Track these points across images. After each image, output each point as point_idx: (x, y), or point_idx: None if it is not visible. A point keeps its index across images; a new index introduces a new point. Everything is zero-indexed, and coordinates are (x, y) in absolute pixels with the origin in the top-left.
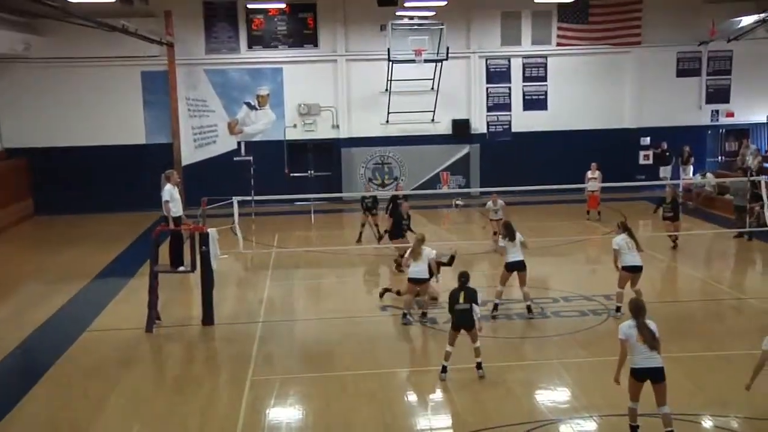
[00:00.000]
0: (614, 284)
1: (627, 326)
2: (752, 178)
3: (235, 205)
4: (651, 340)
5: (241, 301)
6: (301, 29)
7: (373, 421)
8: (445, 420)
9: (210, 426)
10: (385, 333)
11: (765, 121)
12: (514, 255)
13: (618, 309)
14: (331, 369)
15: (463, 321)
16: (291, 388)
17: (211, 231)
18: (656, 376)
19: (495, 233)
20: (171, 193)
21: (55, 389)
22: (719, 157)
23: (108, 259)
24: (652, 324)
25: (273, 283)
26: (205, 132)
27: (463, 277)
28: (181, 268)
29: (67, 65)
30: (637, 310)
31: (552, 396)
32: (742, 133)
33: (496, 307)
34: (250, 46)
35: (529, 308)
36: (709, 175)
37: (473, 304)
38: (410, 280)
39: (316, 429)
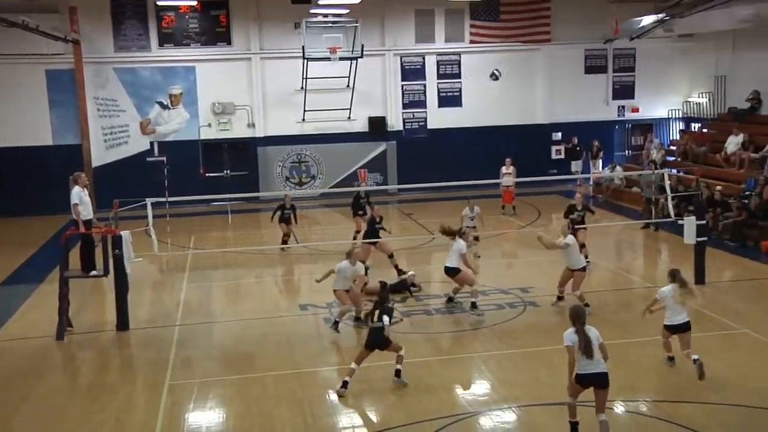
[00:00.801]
0: (528, 277)
1: (570, 332)
2: (657, 171)
3: (149, 207)
4: (585, 347)
5: (157, 304)
6: (213, 27)
7: (295, 421)
8: (367, 418)
9: None
10: (304, 332)
11: (666, 116)
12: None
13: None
14: (251, 370)
15: (375, 341)
16: (210, 392)
17: (124, 234)
18: (599, 382)
19: (476, 238)
20: (80, 196)
21: None
22: (626, 151)
23: (14, 265)
24: (592, 331)
25: (190, 285)
26: (116, 132)
27: (384, 290)
28: (93, 273)
29: None
30: (576, 316)
31: (472, 389)
32: (646, 127)
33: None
34: (161, 44)
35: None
36: (618, 168)
37: (387, 320)
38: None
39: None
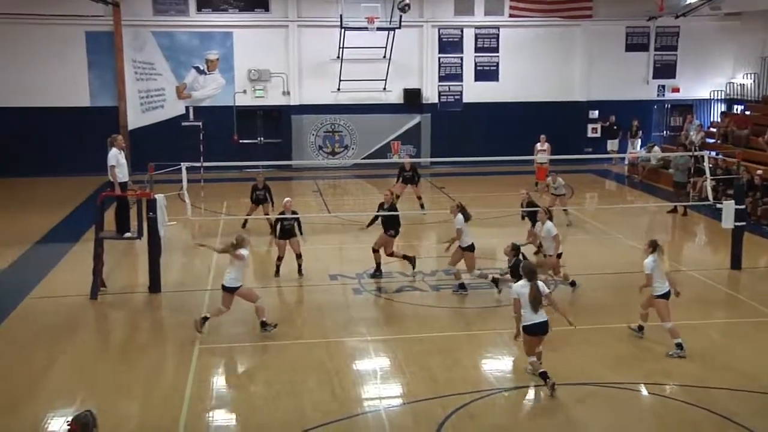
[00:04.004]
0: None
1: (520, 286)
2: (695, 153)
3: (184, 171)
4: (535, 300)
5: (188, 268)
6: None
7: (322, 390)
8: (393, 389)
9: (156, 395)
10: (333, 302)
11: (708, 97)
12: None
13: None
14: (279, 338)
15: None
16: (239, 357)
17: (159, 197)
18: (543, 330)
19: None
20: (117, 158)
21: None
22: (664, 132)
23: (51, 224)
24: (542, 285)
25: None
26: (152, 96)
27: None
28: (127, 235)
29: (7, 22)
30: (530, 273)
31: (499, 366)
32: (686, 108)
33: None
34: (199, 9)
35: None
36: (656, 148)
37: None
38: None
39: (264, 398)
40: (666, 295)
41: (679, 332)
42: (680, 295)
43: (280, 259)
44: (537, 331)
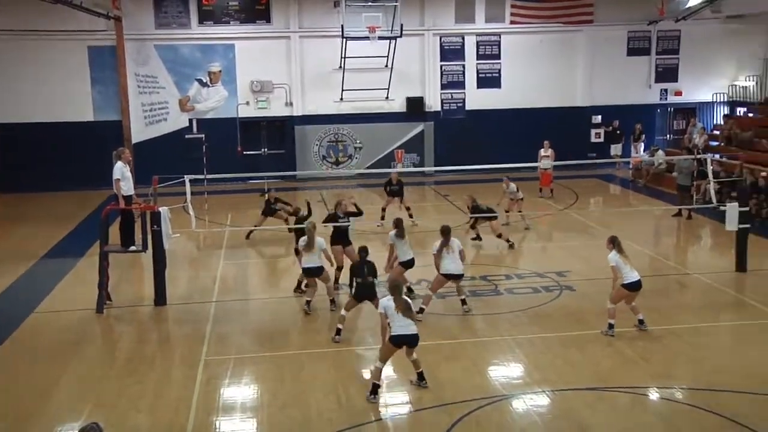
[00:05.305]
0: (565, 261)
1: (386, 300)
2: (698, 156)
3: (187, 184)
4: (406, 310)
5: (194, 280)
6: (253, 5)
7: (328, 400)
8: (400, 397)
9: (163, 407)
10: (338, 312)
11: (711, 100)
12: (406, 253)
13: (611, 327)
14: (285, 348)
15: (366, 293)
16: (245, 368)
17: (163, 210)
18: (412, 341)
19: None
20: (122, 172)
21: None
22: (667, 135)
23: (56, 239)
24: (407, 299)
25: (226, 263)
26: (155, 109)
27: (363, 251)
28: (132, 248)
29: (10, 38)
30: (394, 288)
31: (505, 372)
32: (689, 111)
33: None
34: (201, 22)
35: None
36: (660, 152)
37: (375, 278)
38: (303, 270)
39: (271, 408)
40: (632, 286)
41: (615, 315)
42: None
43: (339, 269)
44: (401, 342)
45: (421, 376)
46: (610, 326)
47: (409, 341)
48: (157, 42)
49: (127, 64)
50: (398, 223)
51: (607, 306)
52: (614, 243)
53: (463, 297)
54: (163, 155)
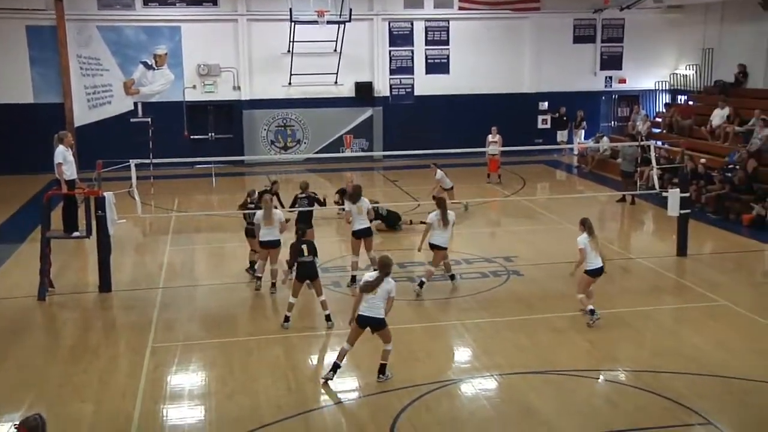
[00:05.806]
0: (512, 246)
1: (368, 276)
2: (641, 143)
3: (133, 168)
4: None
5: (139, 266)
6: None
7: (277, 386)
8: (350, 383)
9: (109, 395)
10: (287, 297)
11: (653, 88)
12: (361, 222)
13: (593, 312)
14: (234, 334)
15: (307, 273)
16: (193, 355)
17: (108, 195)
18: (377, 324)
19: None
20: (64, 155)
21: None
22: (612, 122)
23: None
24: (390, 284)
25: (173, 248)
26: (99, 92)
27: (300, 230)
28: (76, 234)
29: None
30: (384, 266)
31: (454, 356)
32: (633, 99)
33: (353, 279)
34: (145, 3)
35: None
36: (605, 138)
37: (315, 257)
38: (261, 243)
39: (219, 395)
40: (594, 272)
41: (587, 303)
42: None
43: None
44: (366, 323)
45: (382, 369)
46: (592, 311)
47: (372, 323)
48: (100, 23)
49: (69, 45)
50: (352, 194)
51: (577, 297)
52: (585, 225)
53: (451, 273)
54: (107, 139)
